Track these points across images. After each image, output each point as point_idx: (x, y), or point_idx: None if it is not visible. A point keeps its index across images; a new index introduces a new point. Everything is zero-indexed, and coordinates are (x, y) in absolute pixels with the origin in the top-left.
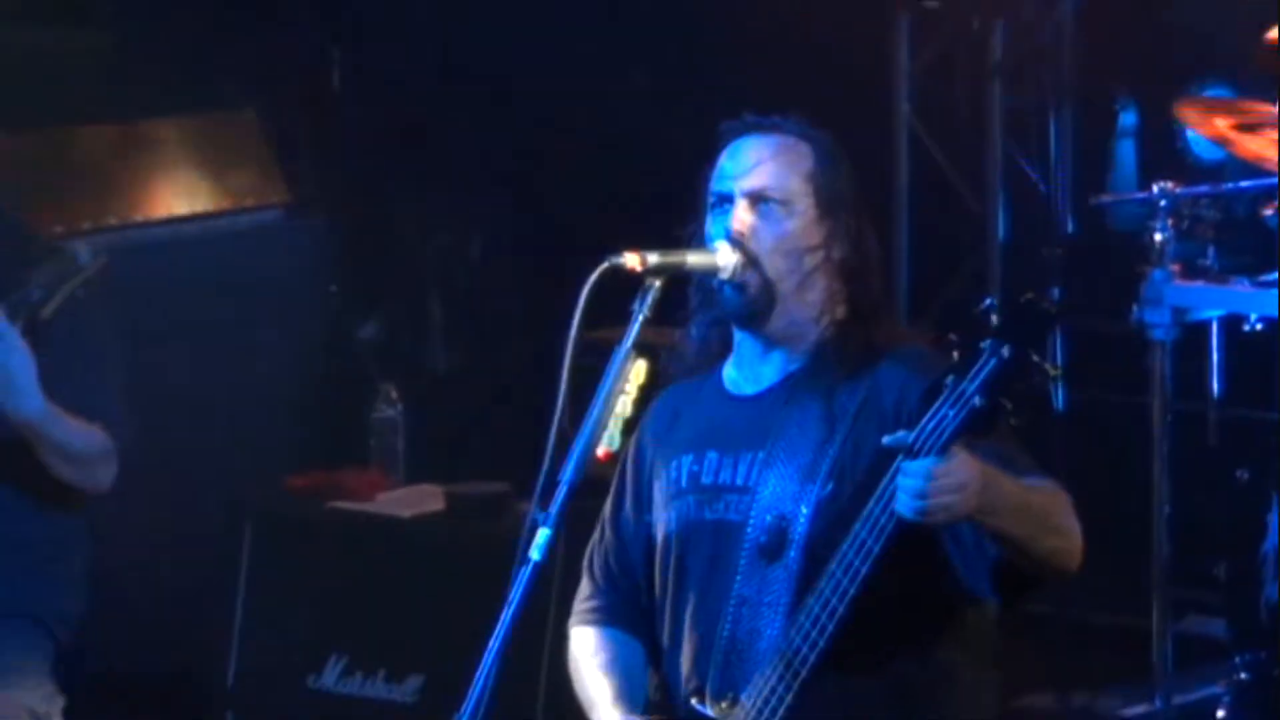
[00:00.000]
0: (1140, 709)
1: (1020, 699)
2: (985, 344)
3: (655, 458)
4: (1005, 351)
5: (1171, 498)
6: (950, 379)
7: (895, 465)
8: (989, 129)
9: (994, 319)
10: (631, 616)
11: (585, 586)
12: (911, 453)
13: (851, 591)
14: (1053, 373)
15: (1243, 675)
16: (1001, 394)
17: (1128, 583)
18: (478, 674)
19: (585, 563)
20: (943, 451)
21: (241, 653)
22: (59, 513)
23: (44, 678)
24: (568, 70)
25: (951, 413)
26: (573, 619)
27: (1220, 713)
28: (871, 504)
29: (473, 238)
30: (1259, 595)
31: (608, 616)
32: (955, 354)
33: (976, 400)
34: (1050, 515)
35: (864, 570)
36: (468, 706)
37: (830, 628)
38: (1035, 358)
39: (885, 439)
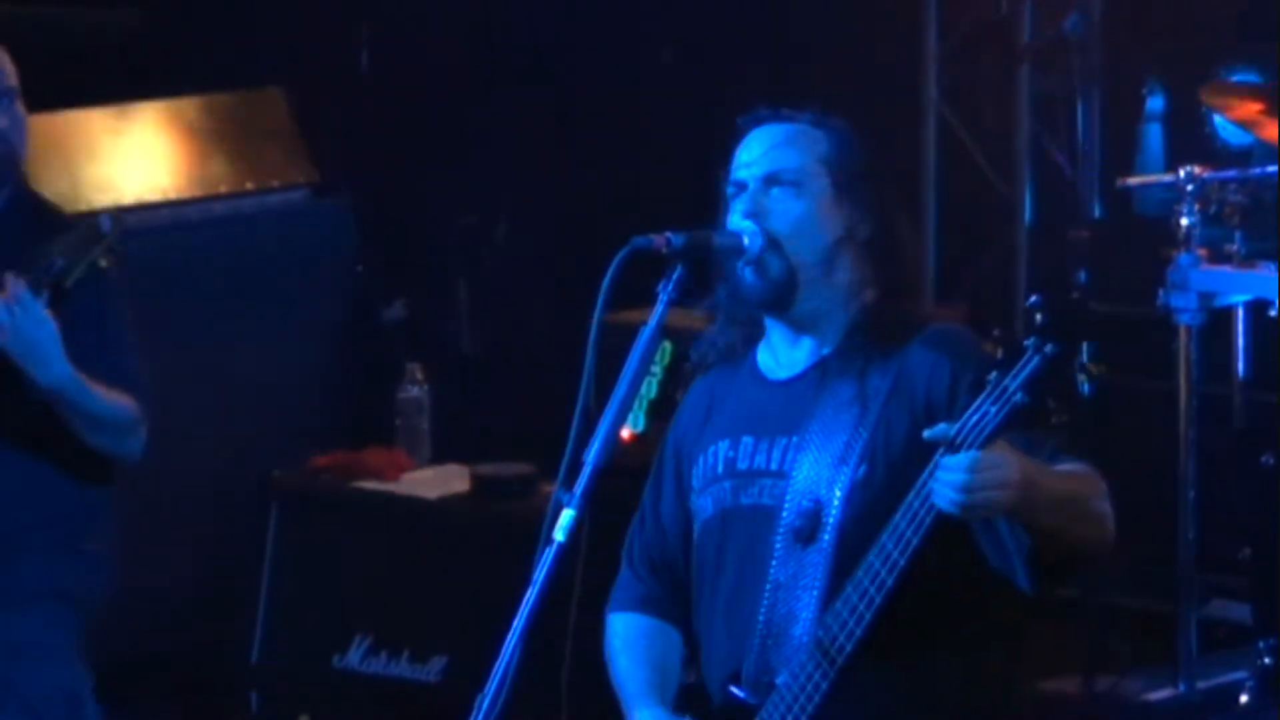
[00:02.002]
0: (1164, 693)
1: (1044, 682)
2: (1029, 341)
3: (693, 444)
4: (1049, 349)
5: (1196, 482)
6: (994, 375)
7: (935, 459)
8: (1016, 113)
9: (1038, 317)
10: (670, 605)
11: (625, 574)
12: (953, 446)
13: (889, 583)
14: (1096, 371)
15: (1267, 660)
16: (1044, 392)
17: (1152, 567)
18: (501, 654)
19: (625, 550)
20: (983, 447)
21: (266, 632)
22: (90, 488)
23: (74, 655)
24: (596, 51)
25: (994, 409)
26: (610, 605)
27: (1244, 697)
28: (911, 496)
29: (499, 219)
30: None
31: (646, 605)
32: (999, 350)
33: (1019, 398)
34: (1086, 503)
35: (902, 562)
36: (491, 686)
37: (868, 617)
38: (1081, 357)
39: (926, 433)
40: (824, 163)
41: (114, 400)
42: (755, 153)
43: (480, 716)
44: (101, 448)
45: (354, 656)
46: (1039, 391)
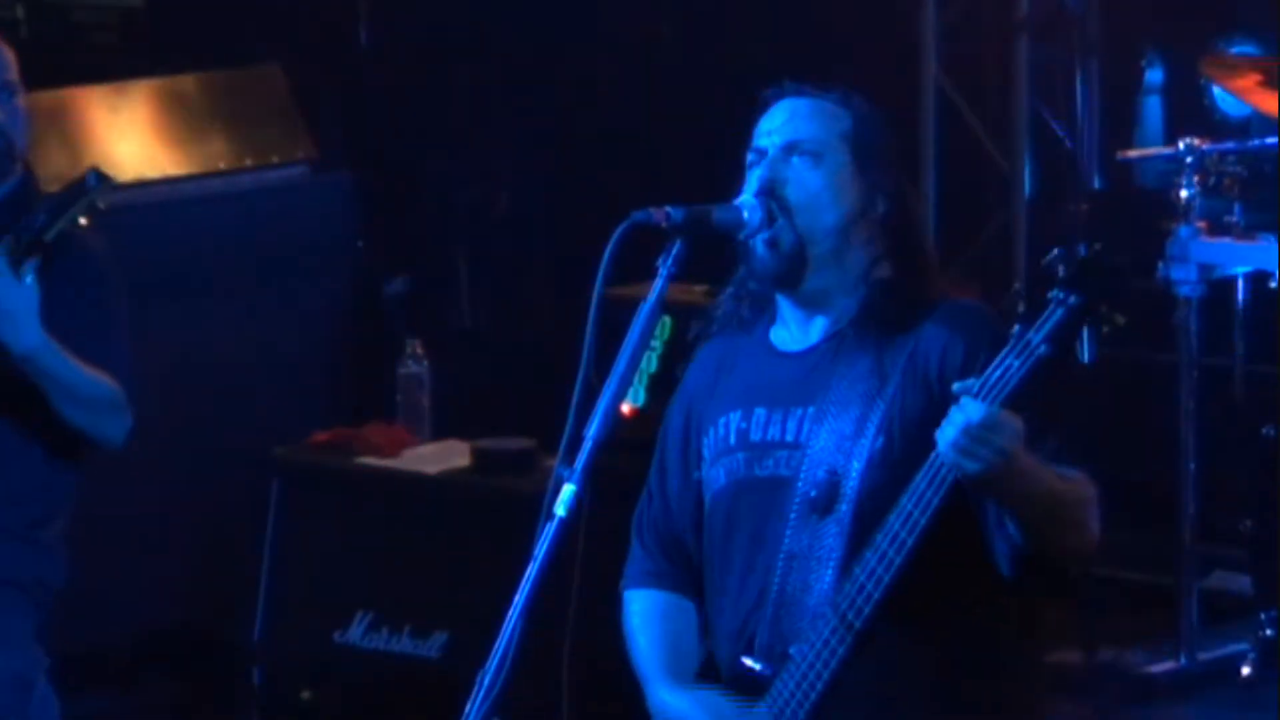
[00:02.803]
0: (1166, 665)
1: (1047, 656)
2: (1053, 294)
3: (701, 415)
4: (1072, 300)
5: (1197, 454)
6: (1017, 329)
7: (958, 401)
8: (1016, 85)
9: (1060, 269)
10: (684, 579)
11: (636, 549)
12: (976, 395)
13: (910, 543)
14: (1120, 322)
15: (1268, 631)
16: (1068, 344)
17: (1154, 540)
18: (503, 630)
19: (634, 525)
20: (1007, 402)
21: (268, 608)
22: (59, 469)
23: (29, 641)
24: (598, 25)
25: (1017, 363)
26: (624, 582)
27: (1245, 669)
28: (932, 457)
29: (500, 193)
30: None
31: (660, 580)
32: (1020, 305)
33: (1043, 349)
34: (1073, 509)
35: (923, 522)
36: (492, 662)
37: (886, 579)
38: (1104, 308)
39: (956, 385)
40: (845, 138)
41: (91, 375)
42: (777, 121)
43: (482, 692)
44: (78, 423)
45: (355, 632)
46: (1063, 343)
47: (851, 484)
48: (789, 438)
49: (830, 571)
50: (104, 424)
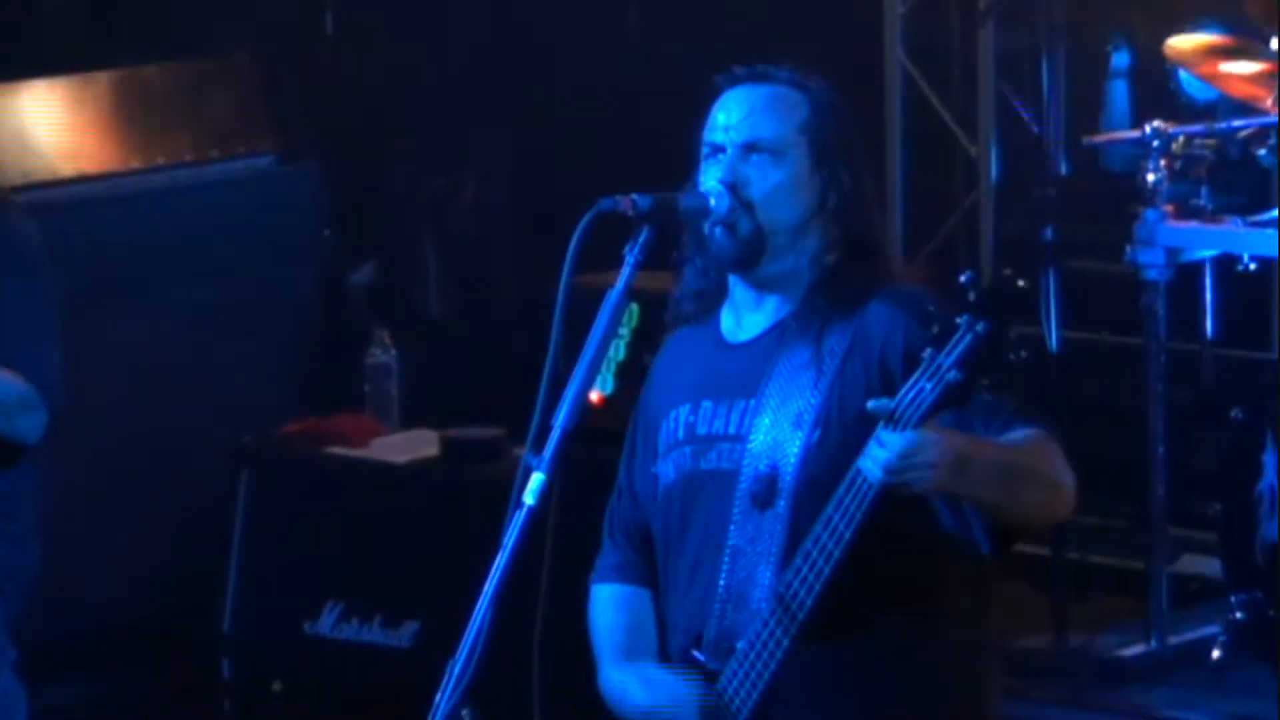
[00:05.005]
0: (1137, 649)
1: (1017, 640)
2: (961, 319)
3: (658, 409)
4: (980, 328)
5: (1166, 438)
6: (928, 352)
7: (875, 433)
8: (981, 70)
9: (971, 295)
10: (647, 570)
11: (606, 544)
12: (892, 421)
13: (837, 554)
14: (1015, 358)
15: (1238, 615)
16: (977, 369)
17: (1123, 524)
18: (473, 619)
19: (605, 521)
20: (920, 425)
21: (238, 599)
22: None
23: None
24: (561, 13)
25: (929, 386)
26: (593, 575)
27: (1216, 652)
28: (852, 470)
29: (467, 182)
30: (1254, 535)
31: (624, 573)
32: (935, 327)
33: (952, 375)
34: (1036, 470)
35: (848, 535)
36: (462, 652)
37: (818, 588)
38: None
39: (870, 404)
40: (803, 130)
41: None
42: (735, 116)
43: (452, 682)
44: None
45: (325, 623)
46: (972, 369)
47: (789, 478)
48: (732, 430)
49: (772, 566)
50: (16, 424)
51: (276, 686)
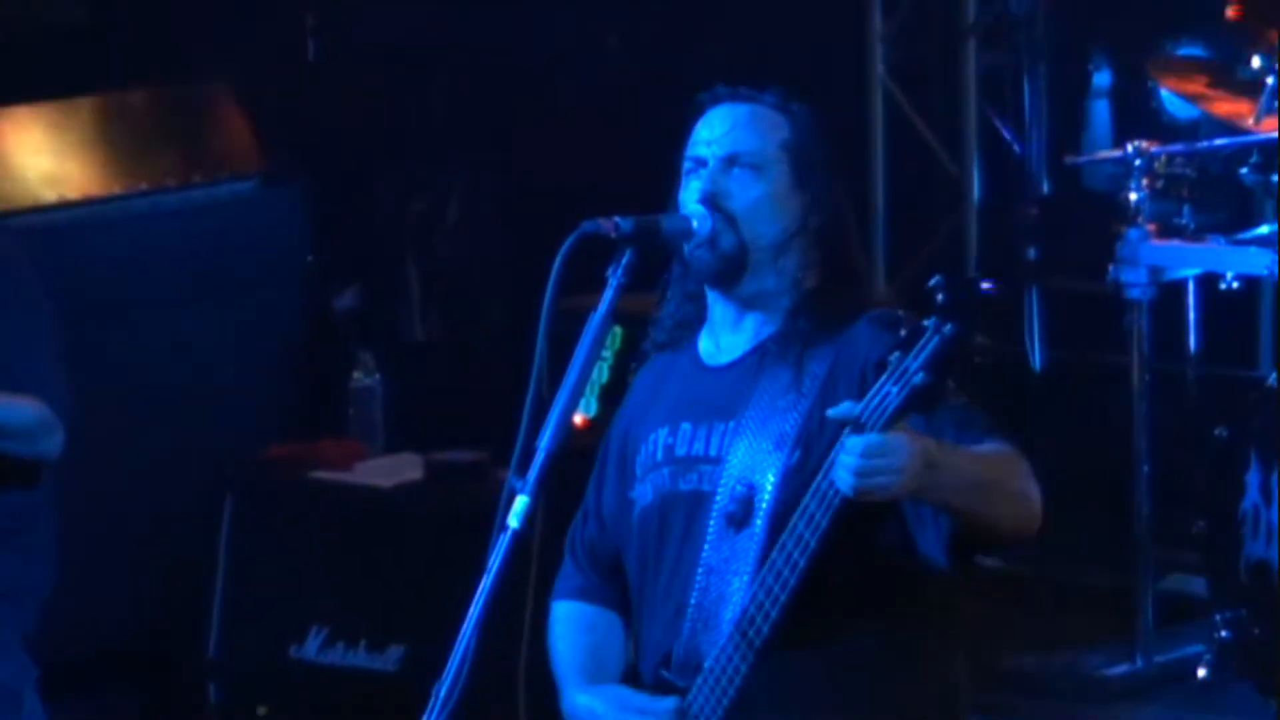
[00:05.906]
0: (1122, 668)
1: (1002, 660)
2: (929, 322)
3: (636, 434)
4: (947, 330)
5: (1150, 457)
6: (895, 355)
7: (840, 439)
8: (964, 90)
9: (939, 298)
10: (612, 595)
11: (567, 563)
12: (858, 427)
13: (802, 564)
14: (977, 361)
15: (1223, 633)
16: (944, 372)
17: (1108, 542)
18: (458, 642)
19: (568, 541)
20: (886, 428)
21: (223, 623)
22: (18, 488)
23: (15, 651)
24: (544, 36)
25: (895, 389)
26: (554, 595)
27: (1201, 671)
28: (819, 477)
29: (450, 205)
30: (1239, 553)
31: (587, 594)
32: (902, 331)
33: (919, 378)
34: (1003, 483)
35: (813, 544)
36: (448, 674)
37: (783, 598)
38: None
39: (830, 411)
40: (785, 149)
41: (13, 406)
42: (717, 131)
43: (438, 705)
44: (11, 453)
45: (311, 647)
46: (939, 371)
47: (766, 499)
48: (711, 452)
49: (745, 585)
50: (38, 446)
51: (262, 711)
